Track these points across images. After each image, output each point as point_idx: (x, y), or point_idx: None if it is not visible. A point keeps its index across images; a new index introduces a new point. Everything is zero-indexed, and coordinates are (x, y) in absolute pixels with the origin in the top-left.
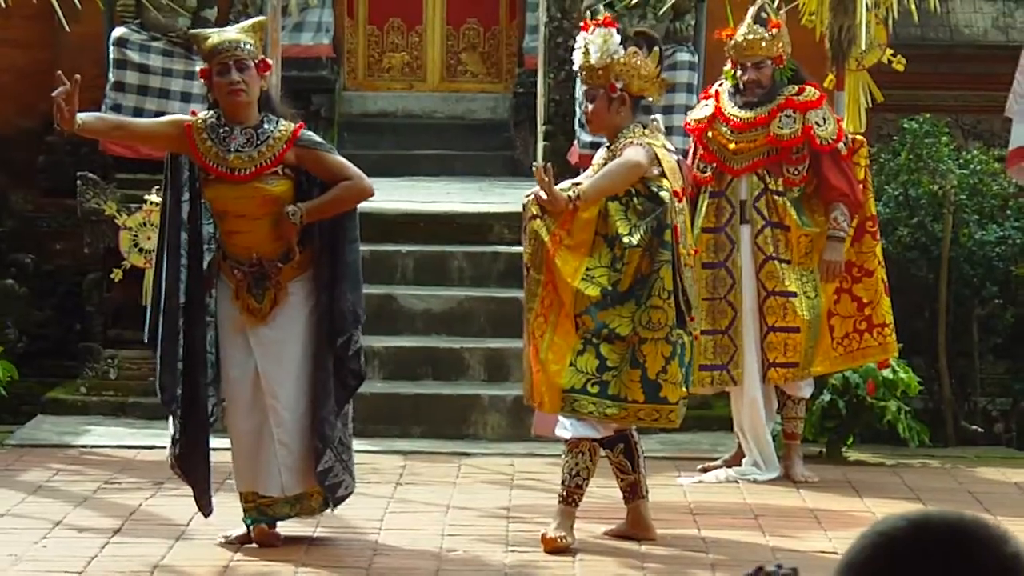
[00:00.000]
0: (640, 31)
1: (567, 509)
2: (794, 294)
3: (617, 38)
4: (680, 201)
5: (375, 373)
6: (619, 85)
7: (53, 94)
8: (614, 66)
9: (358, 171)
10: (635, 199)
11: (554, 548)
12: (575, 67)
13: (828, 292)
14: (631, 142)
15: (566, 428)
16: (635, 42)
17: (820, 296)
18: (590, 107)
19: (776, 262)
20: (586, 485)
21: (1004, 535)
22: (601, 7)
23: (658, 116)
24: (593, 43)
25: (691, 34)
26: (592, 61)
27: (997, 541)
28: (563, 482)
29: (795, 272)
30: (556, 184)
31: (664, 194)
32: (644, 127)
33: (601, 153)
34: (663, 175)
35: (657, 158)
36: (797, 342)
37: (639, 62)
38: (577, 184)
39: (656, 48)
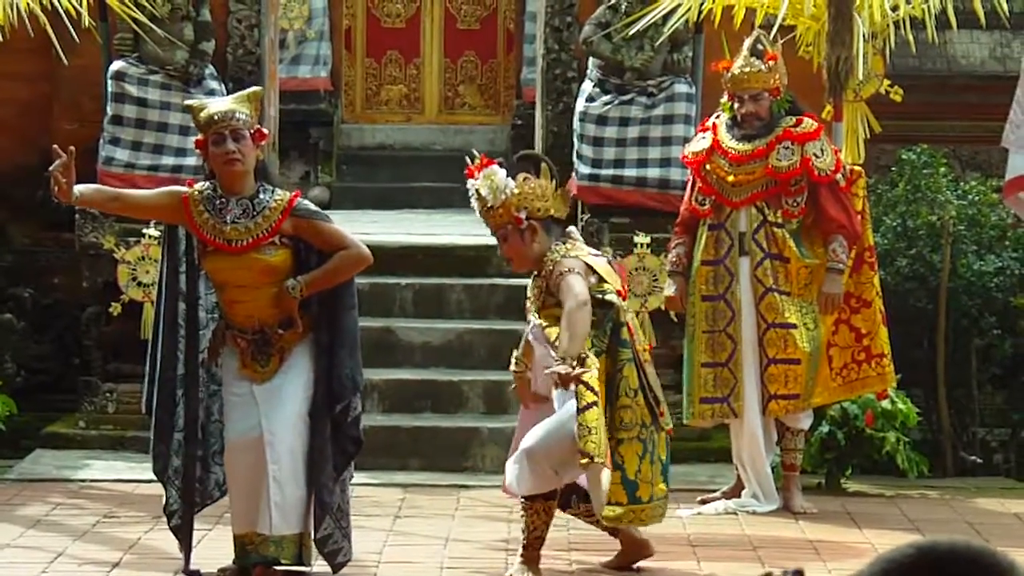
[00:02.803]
0: (522, 154)
1: (531, 555)
2: (794, 326)
3: (501, 173)
4: (624, 299)
5: (374, 406)
6: (523, 215)
7: (50, 169)
8: (511, 200)
9: (355, 239)
10: None
11: None
12: (476, 212)
13: (827, 323)
14: (561, 271)
15: (515, 484)
16: (522, 167)
17: (820, 327)
18: (505, 247)
19: (776, 294)
20: (545, 534)
21: (1011, 564)
22: (598, 39)
23: (572, 228)
24: (483, 187)
25: (688, 65)
26: (489, 203)
27: (1004, 569)
28: (523, 532)
29: (795, 304)
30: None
31: (611, 297)
32: (563, 243)
33: (531, 283)
34: (602, 280)
35: (590, 267)
36: (798, 374)
37: (533, 185)
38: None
39: (543, 164)
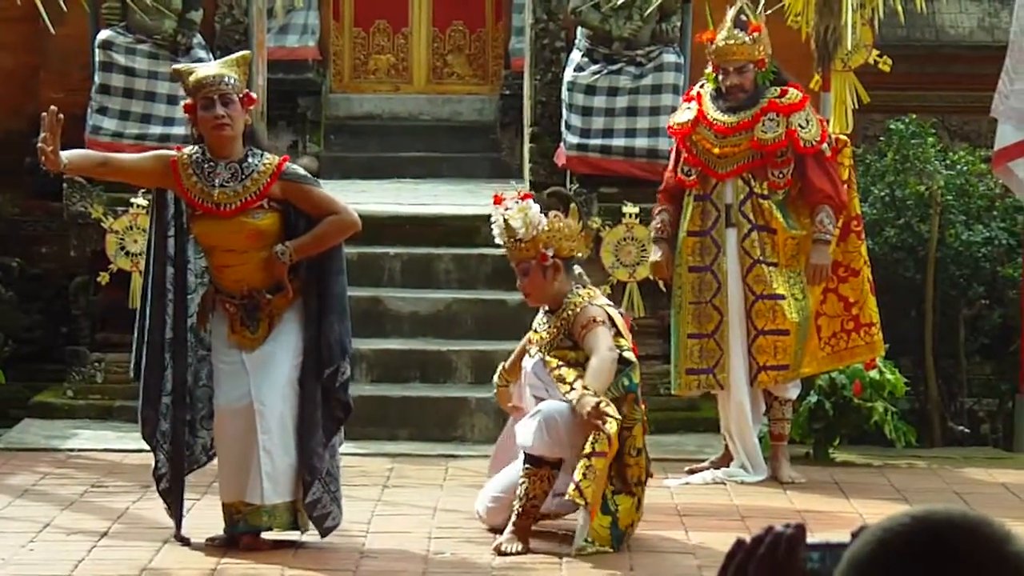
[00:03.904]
0: (553, 191)
1: (524, 524)
2: (782, 297)
3: (535, 208)
4: (636, 356)
5: (362, 376)
6: (549, 253)
7: (37, 142)
8: (541, 236)
9: (344, 205)
10: None
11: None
12: (497, 241)
13: (815, 293)
14: (592, 319)
15: (530, 441)
16: (551, 203)
17: (808, 298)
18: (525, 281)
19: (763, 265)
20: (541, 504)
21: (1007, 534)
22: (586, 9)
23: (580, 269)
24: (514, 219)
25: (677, 35)
26: (519, 236)
27: (1000, 539)
28: (519, 499)
29: (782, 275)
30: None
31: (628, 354)
32: (584, 287)
33: (544, 319)
34: (619, 335)
35: (611, 317)
36: (787, 344)
37: (562, 225)
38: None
39: (573, 204)
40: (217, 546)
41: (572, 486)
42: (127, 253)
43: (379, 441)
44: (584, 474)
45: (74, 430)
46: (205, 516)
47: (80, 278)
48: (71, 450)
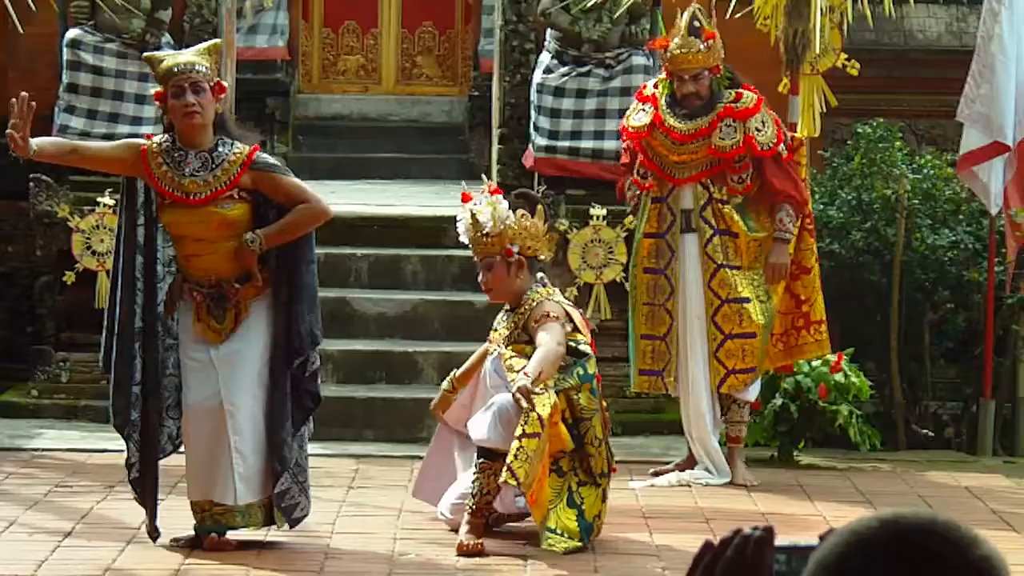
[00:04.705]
0: (521, 192)
1: (478, 521)
2: (748, 300)
3: (505, 204)
4: (594, 352)
5: (329, 377)
6: (515, 249)
7: (8, 129)
8: (507, 232)
9: (315, 194)
10: None
11: (467, 552)
12: (462, 238)
13: (779, 293)
14: (546, 314)
15: (486, 432)
16: (519, 204)
17: (772, 299)
18: (488, 276)
19: (727, 269)
20: (494, 500)
21: (974, 537)
22: (555, 11)
23: (542, 274)
24: (483, 212)
25: (646, 38)
26: (486, 230)
27: (967, 543)
28: (473, 496)
29: (746, 277)
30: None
31: (584, 347)
32: (543, 286)
33: (503, 317)
34: (577, 329)
35: (568, 314)
36: (754, 347)
37: (529, 224)
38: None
39: (539, 206)
40: (182, 546)
41: (504, 468)
42: (93, 253)
43: (345, 442)
44: (515, 455)
45: (39, 430)
46: (169, 517)
47: (46, 277)
48: (35, 450)
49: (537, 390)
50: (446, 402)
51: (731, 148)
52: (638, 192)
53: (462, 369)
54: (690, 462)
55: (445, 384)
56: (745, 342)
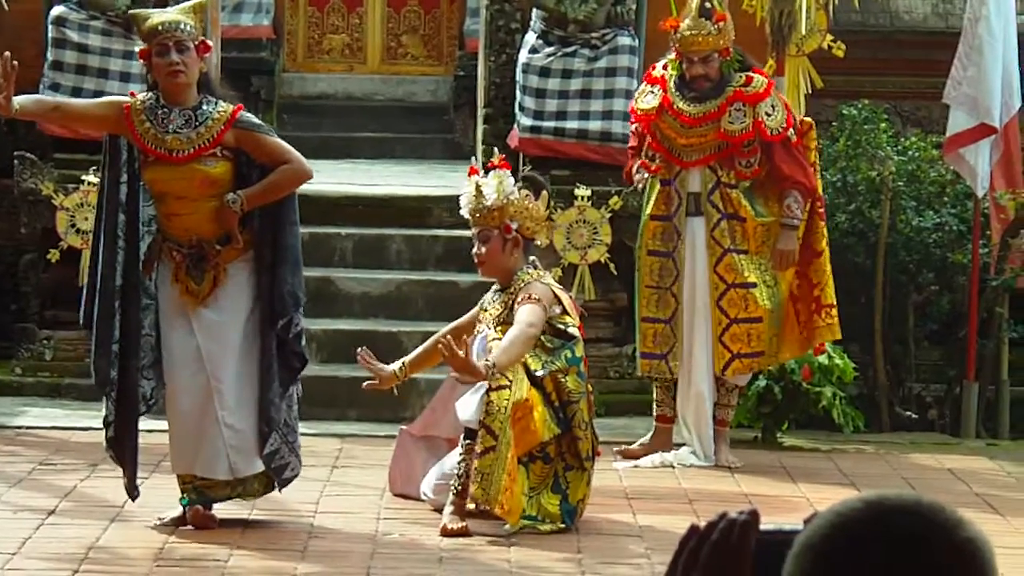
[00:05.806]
0: (528, 175)
1: (460, 502)
2: (754, 284)
3: (511, 180)
4: (583, 337)
5: (313, 356)
6: (514, 226)
7: None
8: (508, 207)
9: (297, 154)
10: (542, 337)
11: (451, 534)
12: (463, 211)
13: (788, 278)
14: (529, 295)
15: (473, 413)
16: (524, 185)
17: (780, 284)
18: (483, 249)
19: (734, 254)
20: None
21: (959, 520)
22: None
23: (534, 257)
24: (488, 185)
25: (632, 18)
26: (488, 203)
27: (952, 525)
28: (458, 476)
29: (753, 262)
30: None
31: (572, 330)
32: (535, 268)
33: (493, 296)
34: (565, 312)
35: (557, 297)
36: (760, 331)
37: (531, 205)
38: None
39: (544, 192)
40: (166, 525)
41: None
42: (77, 231)
43: (328, 421)
44: (474, 479)
45: (22, 407)
46: (153, 496)
47: (30, 255)
48: (19, 427)
49: (501, 382)
50: (387, 381)
51: (740, 132)
52: (646, 175)
53: (415, 354)
54: (661, 444)
55: (396, 368)
56: (751, 327)
